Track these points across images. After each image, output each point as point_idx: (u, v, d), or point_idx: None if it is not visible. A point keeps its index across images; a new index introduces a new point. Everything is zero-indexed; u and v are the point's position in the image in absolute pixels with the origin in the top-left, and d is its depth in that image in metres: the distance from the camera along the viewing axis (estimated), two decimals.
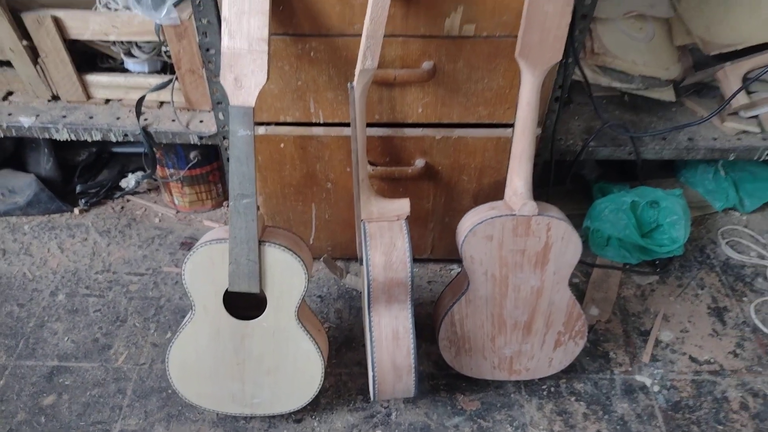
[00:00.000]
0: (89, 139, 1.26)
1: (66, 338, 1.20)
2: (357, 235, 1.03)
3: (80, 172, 1.51)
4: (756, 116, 1.28)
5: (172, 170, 1.37)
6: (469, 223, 0.97)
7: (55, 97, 1.30)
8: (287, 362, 0.99)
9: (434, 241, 1.28)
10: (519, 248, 0.97)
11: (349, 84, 0.86)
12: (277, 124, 1.06)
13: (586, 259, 1.34)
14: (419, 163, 1.09)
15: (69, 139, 1.26)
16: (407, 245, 0.91)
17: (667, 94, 1.28)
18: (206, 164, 1.39)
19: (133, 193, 1.51)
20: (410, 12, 0.89)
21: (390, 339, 0.95)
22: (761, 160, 1.28)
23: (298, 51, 0.94)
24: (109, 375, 1.13)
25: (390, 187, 1.14)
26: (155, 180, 1.47)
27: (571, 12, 0.83)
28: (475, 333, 1.05)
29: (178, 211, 1.47)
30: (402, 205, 0.95)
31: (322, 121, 1.05)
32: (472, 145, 1.07)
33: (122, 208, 1.48)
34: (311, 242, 1.28)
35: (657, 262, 1.33)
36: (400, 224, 0.94)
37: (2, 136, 1.26)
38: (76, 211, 1.46)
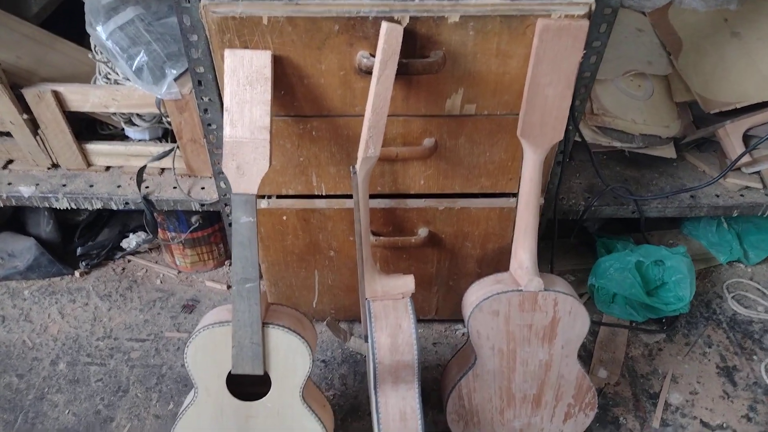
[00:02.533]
0: (90, 207, 1.25)
1: (67, 411, 1.18)
2: (361, 312, 1.02)
3: (81, 231, 1.50)
4: (758, 172, 1.28)
5: (173, 233, 1.37)
6: (474, 297, 0.96)
7: (55, 165, 1.29)
8: None
9: (439, 303, 1.26)
10: (526, 323, 0.96)
11: (351, 168, 0.85)
12: (279, 196, 1.06)
13: (592, 317, 1.32)
14: (423, 232, 1.08)
15: (69, 208, 1.26)
16: (413, 326, 0.90)
17: (668, 152, 1.27)
18: (208, 227, 1.38)
19: (134, 253, 1.50)
20: (411, 94, 0.89)
21: (397, 420, 0.93)
22: (765, 215, 1.27)
23: (300, 130, 0.94)
24: None
25: (394, 255, 1.13)
26: (156, 240, 1.46)
27: (571, 95, 0.83)
28: (483, 407, 1.03)
29: (179, 272, 1.46)
30: (406, 282, 0.94)
31: (324, 194, 1.05)
32: (475, 214, 1.06)
33: (123, 269, 1.47)
34: (314, 306, 1.27)
35: (664, 320, 1.31)
36: (405, 303, 0.92)
37: (2, 206, 1.25)
38: (77, 273, 1.45)
